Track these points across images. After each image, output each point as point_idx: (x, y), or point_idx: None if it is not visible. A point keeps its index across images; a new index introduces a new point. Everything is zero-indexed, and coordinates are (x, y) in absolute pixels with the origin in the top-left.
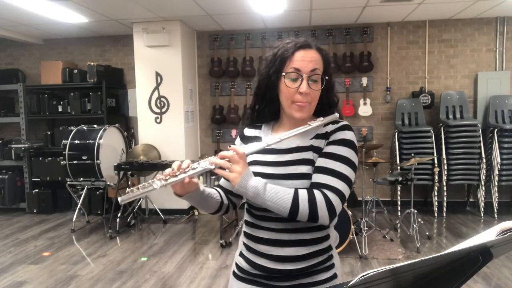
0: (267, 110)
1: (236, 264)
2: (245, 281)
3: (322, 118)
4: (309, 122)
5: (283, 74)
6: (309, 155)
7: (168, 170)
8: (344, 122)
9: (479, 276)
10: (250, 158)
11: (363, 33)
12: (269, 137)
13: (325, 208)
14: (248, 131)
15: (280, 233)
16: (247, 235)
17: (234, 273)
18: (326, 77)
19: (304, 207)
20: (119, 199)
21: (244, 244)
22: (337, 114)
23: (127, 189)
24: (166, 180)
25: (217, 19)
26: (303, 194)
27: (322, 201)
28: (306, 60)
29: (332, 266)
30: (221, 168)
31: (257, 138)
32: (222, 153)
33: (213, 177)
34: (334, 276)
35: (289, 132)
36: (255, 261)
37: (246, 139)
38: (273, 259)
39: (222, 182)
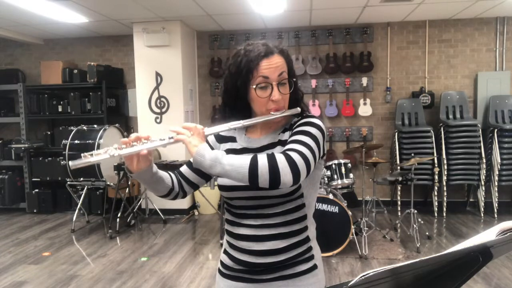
0: (239, 116)
1: (221, 262)
2: (230, 278)
3: (286, 111)
4: (272, 112)
5: (253, 86)
6: (278, 150)
7: (126, 139)
8: (312, 115)
9: (479, 276)
10: None
11: (363, 33)
12: (243, 137)
13: (285, 163)
14: (223, 132)
15: (259, 228)
16: (228, 232)
17: (219, 270)
18: (294, 79)
19: (263, 164)
20: (70, 163)
21: (227, 241)
22: (299, 108)
23: (81, 154)
24: (121, 149)
25: (217, 19)
26: (262, 155)
27: (282, 158)
28: (272, 67)
29: (311, 257)
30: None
31: (231, 138)
32: (185, 124)
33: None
34: (314, 267)
35: (251, 119)
36: (237, 257)
37: (221, 139)
38: (254, 254)
39: (182, 168)
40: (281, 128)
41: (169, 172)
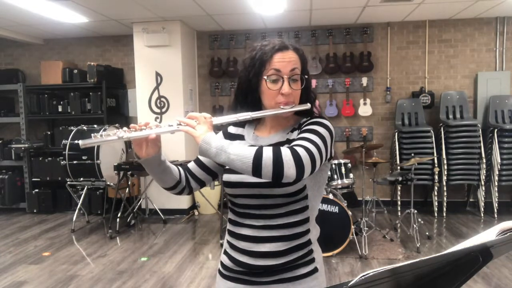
0: (250, 111)
1: (221, 262)
2: (230, 279)
3: (295, 106)
4: (281, 106)
5: (264, 77)
6: None
7: (135, 124)
8: (322, 116)
9: (479, 276)
10: None
11: (363, 33)
12: (251, 135)
13: (290, 157)
14: (232, 129)
15: (261, 229)
16: (230, 232)
17: (219, 271)
18: (306, 76)
19: (268, 156)
20: (80, 142)
21: (228, 241)
22: (309, 104)
23: (92, 134)
24: (130, 132)
25: (217, 19)
26: (268, 147)
27: (287, 151)
28: (285, 61)
29: (312, 260)
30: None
31: (240, 136)
32: (191, 113)
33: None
34: (315, 270)
35: (260, 112)
36: (237, 258)
37: (229, 136)
38: (254, 256)
39: (190, 165)
40: (290, 127)
41: (178, 166)
